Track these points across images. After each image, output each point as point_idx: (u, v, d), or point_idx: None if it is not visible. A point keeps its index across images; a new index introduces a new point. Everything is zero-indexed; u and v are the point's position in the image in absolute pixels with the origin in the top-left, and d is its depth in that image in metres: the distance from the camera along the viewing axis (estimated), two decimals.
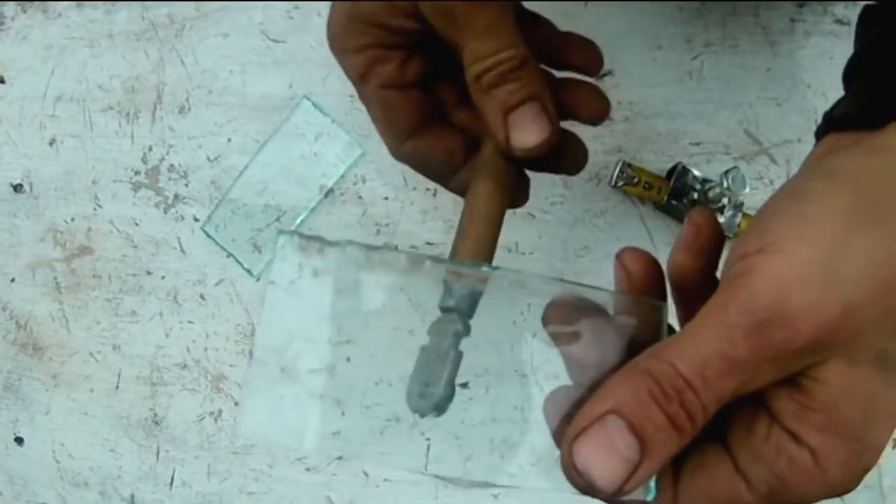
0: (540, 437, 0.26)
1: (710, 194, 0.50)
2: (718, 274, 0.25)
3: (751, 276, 0.21)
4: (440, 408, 0.28)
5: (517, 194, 0.34)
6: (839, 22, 0.54)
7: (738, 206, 0.51)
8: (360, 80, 0.32)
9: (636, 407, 0.21)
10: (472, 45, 0.29)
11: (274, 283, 0.27)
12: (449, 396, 0.28)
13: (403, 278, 0.27)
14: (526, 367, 0.29)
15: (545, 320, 0.26)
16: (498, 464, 0.27)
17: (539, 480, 0.26)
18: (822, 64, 0.54)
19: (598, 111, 0.34)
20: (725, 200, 0.50)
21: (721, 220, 0.51)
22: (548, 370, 0.27)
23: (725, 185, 0.49)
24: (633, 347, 0.24)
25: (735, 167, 0.50)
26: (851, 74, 0.28)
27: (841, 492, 0.22)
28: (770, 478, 0.22)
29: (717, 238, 0.26)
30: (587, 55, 0.34)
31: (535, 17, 0.34)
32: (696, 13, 0.54)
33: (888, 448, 0.53)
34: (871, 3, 0.28)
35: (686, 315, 0.27)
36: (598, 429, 0.21)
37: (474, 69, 0.29)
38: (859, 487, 0.51)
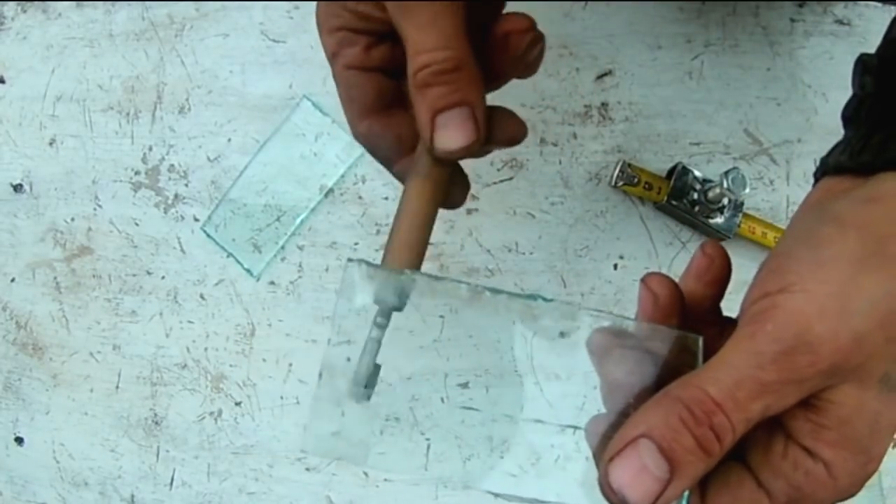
0: (582, 457, 0.28)
1: (710, 194, 0.50)
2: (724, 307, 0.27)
3: (776, 311, 0.24)
4: (360, 384, 0.30)
5: (453, 192, 0.35)
6: (839, 22, 0.54)
7: (738, 206, 0.51)
8: (331, 58, 0.34)
9: (666, 431, 0.23)
10: (414, 37, 0.30)
11: (340, 310, 0.29)
12: (368, 375, 0.30)
13: (462, 307, 0.29)
14: (524, 368, 0.30)
15: (589, 347, 0.28)
16: (546, 482, 0.29)
17: (581, 499, 0.29)
18: (822, 64, 0.54)
19: (516, 134, 0.35)
20: (725, 200, 0.50)
21: (720, 220, 0.51)
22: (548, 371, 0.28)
23: (725, 185, 0.49)
24: (668, 377, 0.26)
25: (735, 167, 0.50)
26: (847, 120, 0.31)
27: (848, 496, 0.25)
28: (789, 489, 0.25)
29: (727, 270, 0.29)
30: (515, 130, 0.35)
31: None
32: (696, 13, 0.54)
33: (888, 448, 0.53)
34: (866, 54, 0.31)
35: None
36: (631, 451, 0.23)
37: (413, 63, 0.30)
38: None
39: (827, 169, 0.29)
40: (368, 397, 0.30)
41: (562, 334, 0.29)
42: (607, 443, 0.25)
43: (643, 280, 0.29)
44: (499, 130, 0.34)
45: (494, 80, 0.34)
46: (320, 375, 0.28)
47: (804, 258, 0.24)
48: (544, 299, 0.29)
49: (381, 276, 0.29)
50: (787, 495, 0.25)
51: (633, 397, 0.27)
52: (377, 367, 0.30)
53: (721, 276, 0.29)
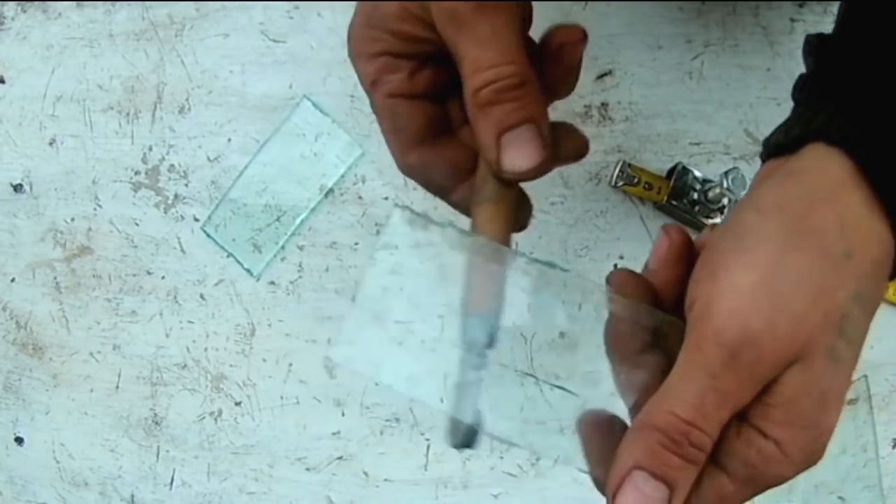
0: None
1: (710, 194, 0.50)
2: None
3: (713, 312, 0.24)
4: (468, 443, 0.29)
5: (520, 214, 0.33)
6: None
7: None
8: (371, 86, 0.31)
9: (652, 459, 0.24)
10: (474, 53, 0.28)
11: (382, 247, 0.30)
12: (475, 432, 0.29)
13: (488, 263, 0.30)
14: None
15: (608, 337, 0.29)
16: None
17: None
18: None
19: (582, 148, 0.34)
20: (725, 200, 0.50)
21: (720, 220, 0.51)
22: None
23: (725, 185, 0.49)
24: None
25: (735, 167, 0.50)
26: (794, 101, 0.31)
27: (806, 467, 0.26)
28: (745, 467, 0.25)
29: (689, 249, 0.29)
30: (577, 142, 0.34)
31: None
32: (696, 13, 0.54)
33: (888, 448, 0.53)
34: (811, 34, 0.31)
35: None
36: (629, 484, 0.25)
37: (473, 81, 0.28)
38: (859, 487, 0.52)
39: (768, 150, 0.29)
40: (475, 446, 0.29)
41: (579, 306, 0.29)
42: (602, 439, 0.27)
43: (663, 227, 0.29)
44: (563, 146, 0.33)
45: (549, 95, 0.32)
46: (353, 299, 0.29)
47: (728, 248, 0.25)
48: (562, 269, 0.29)
49: (419, 222, 0.29)
50: (744, 473, 0.26)
51: (640, 391, 0.28)
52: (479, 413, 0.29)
53: (684, 256, 0.29)
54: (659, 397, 0.25)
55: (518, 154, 0.29)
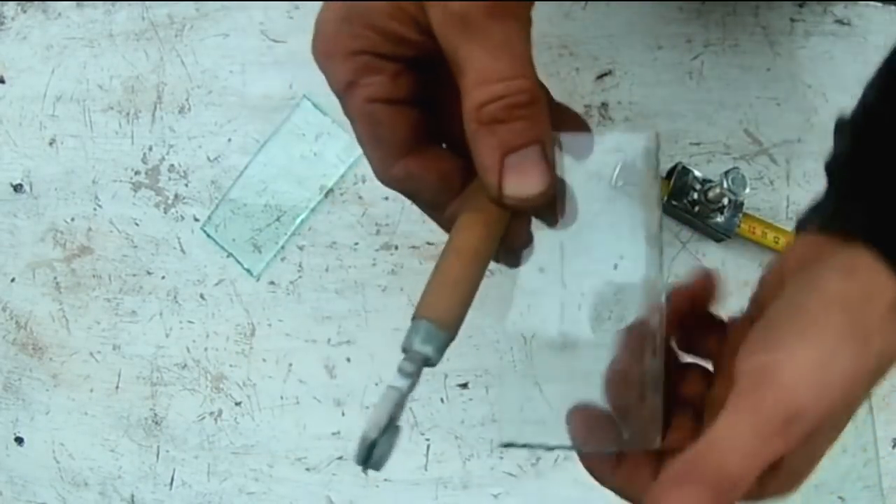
0: None
1: (710, 194, 0.50)
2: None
3: (772, 381, 0.25)
4: (365, 463, 0.25)
5: (509, 237, 0.30)
6: (839, 22, 0.54)
7: (738, 207, 0.51)
8: (345, 89, 0.28)
9: None
10: (482, 63, 0.25)
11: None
12: (374, 447, 0.24)
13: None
14: None
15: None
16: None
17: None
18: (822, 64, 0.54)
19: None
20: (725, 200, 0.50)
21: (720, 220, 0.51)
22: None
23: (725, 185, 0.49)
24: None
25: (735, 167, 0.50)
26: (828, 174, 0.32)
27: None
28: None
29: (714, 292, 0.30)
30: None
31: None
32: (696, 13, 0.54)
33: (888, 448, 0.53)
34: (842, 117, 0.31)
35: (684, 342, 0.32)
36: None
37: (477, 95, 0.25)
38: (859, 487, 0.52)
39: (804, 227, 0.31)
40: (375, 467, 0.25)
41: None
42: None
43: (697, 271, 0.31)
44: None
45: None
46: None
47: (792, 329, 0.26)
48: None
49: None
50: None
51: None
52: (395, 429, 0.25)
53: (710, 299, 0.31)
54: (708, 446, 0.25)
55: (522, 178, 0.26)
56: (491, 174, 0.26)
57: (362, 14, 0.26)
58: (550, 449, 0.29)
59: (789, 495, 0.28)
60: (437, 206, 0.30)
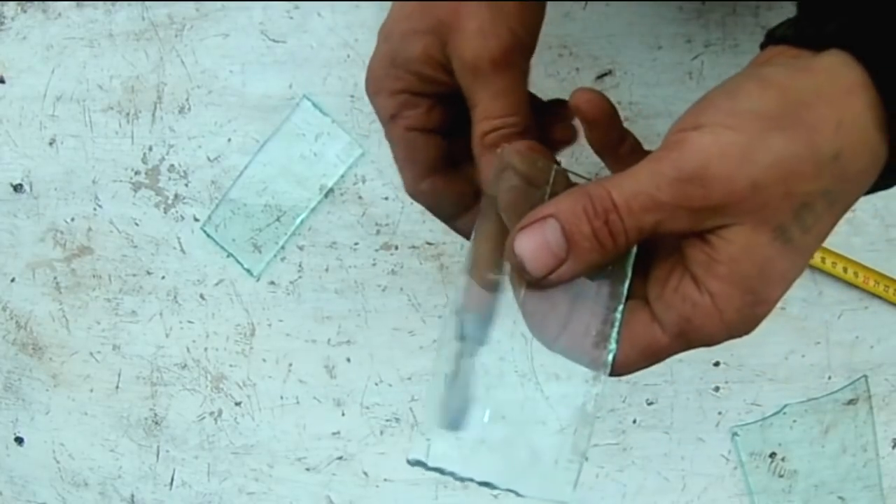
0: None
1: None
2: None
3: (684, 144, 0.26)
4: (457, 424, 0.32)
5: None
6: None
7: None
8: (390, 119, 0.35)
9: (570, 216, 0.27)
10: (486, 103, 0.32)
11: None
12: (460, 411, 0.31)
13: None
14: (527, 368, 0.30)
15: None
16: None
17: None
18: None
19: (569, 138, 0.37)
20: None
21: None
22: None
23: None
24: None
25: None
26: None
27: (737, 334, 0.28)
28: (679, 320, 0.28)
29: (604, 105, 0.32)
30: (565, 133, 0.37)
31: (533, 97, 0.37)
32: (696, 13, 0.54)
33: (888, 448, 0.53)
34: None
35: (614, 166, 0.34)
36: (538, 227, 0.28)
37: (482, 126, 0.33)
38: (859, 487, 0.52)
39: (772, 40, 0.30)
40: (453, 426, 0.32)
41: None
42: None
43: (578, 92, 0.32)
44: (553, 130, 0.36)
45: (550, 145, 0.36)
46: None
47: (722, 106, 0.27)
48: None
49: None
50: (678, 326, 0.28)
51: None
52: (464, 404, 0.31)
53: (602, 111, 0.32)
54: (605, 178, 0.28)
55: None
56: (490, 187, 0.32)
57: (403, 61, 0.33)
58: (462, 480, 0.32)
59: (751, 323, 0.28)
60: (452, 217, 0.37)
